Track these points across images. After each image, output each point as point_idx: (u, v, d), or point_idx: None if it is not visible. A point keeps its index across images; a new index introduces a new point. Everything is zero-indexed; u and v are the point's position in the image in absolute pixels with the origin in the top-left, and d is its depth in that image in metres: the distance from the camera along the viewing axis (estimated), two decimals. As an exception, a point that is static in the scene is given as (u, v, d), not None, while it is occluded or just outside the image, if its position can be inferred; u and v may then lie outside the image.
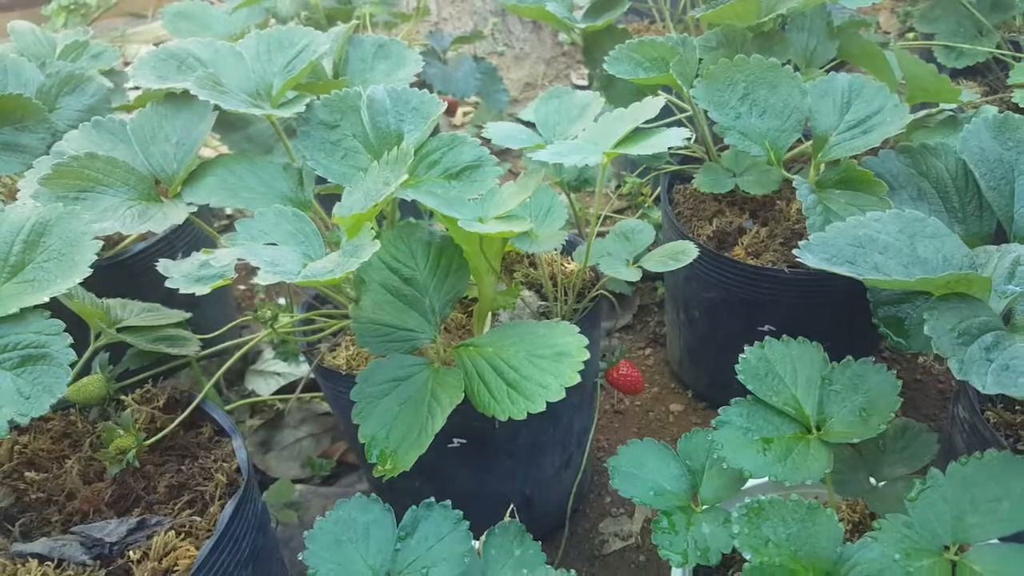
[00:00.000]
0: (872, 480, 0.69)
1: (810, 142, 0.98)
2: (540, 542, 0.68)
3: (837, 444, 0.67)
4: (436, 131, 0.90)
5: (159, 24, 2.90)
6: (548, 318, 0.95)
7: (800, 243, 0.72)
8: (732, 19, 1.15)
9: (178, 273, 0.67)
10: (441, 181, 0.84)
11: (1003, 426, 0.74)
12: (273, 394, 1.34)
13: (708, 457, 0.71)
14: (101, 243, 0.69)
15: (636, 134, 0.81)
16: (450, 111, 2.41)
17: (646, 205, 1.49)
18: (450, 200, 0.76)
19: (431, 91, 1.83)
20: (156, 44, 3.11)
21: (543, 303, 0.98)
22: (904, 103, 1.01)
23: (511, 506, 0.75)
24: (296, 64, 0.95)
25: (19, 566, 0.66)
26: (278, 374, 1.39)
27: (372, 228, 0.66)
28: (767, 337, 0.76)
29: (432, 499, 0.64)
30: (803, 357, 0.72)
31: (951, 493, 0.58)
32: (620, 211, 1.75)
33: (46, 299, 0.63)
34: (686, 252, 0.84)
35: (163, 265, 0.69)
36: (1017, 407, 0.75)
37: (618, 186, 1.74)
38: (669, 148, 0.79)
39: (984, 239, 0.89)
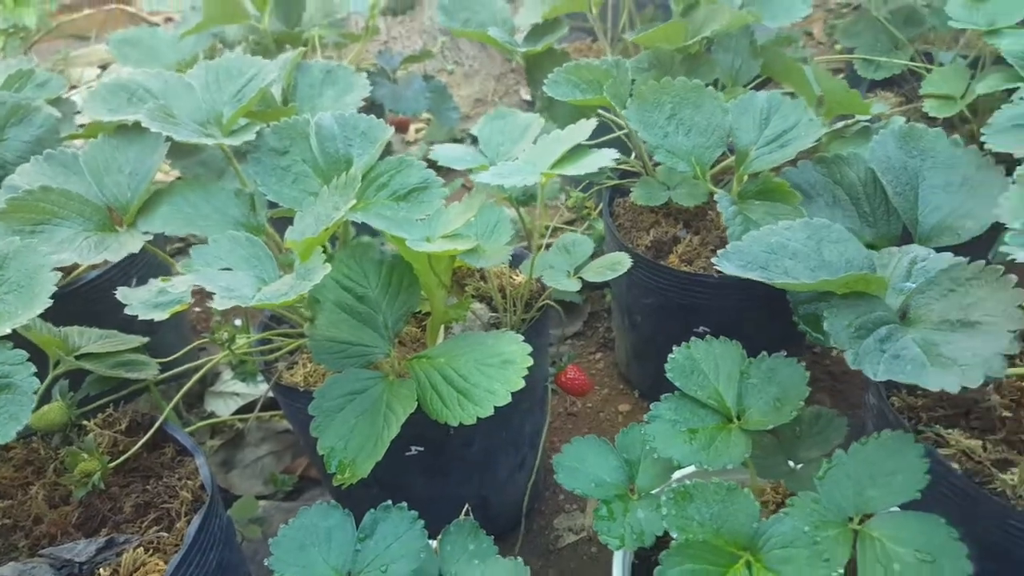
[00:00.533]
0: (791, 463, 0.76)
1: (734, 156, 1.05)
2: (494, 538, 0.73)
3: (756, 432, 0.73)
4: (388, 152, 0.94)
5: (102, 47, 2.88)
6: (498, 329, 1.00)
7: (719, 252, 0.79)
8: (661, 42, 1.22)
9: (136, 300, 0.70)
10: (390, 203, 0.89)
11: (906, 409, 0.82)
12: (232, 414, 1.36)
13: (643, 449, 0.76)
14: (59, 275, 0.72)
15: (572, 154, 0.87)
16: (403, 128, 2.45)
17: (591, 217, 1.56)
18: (399, 221, 0.81)
19: (382, 110, 1.89)
20: (100, 67, 3.07)
21: (493, 314, 1.03)
22: (822, 116, 1.10)
23: (466, 506, 0.80)
24: (245, 93, 0.99)
25: (-12, 589, 0.68)
26: (236, 394, 1.41)
27: (323, 251, 0.70)
28: (693, 338, 0.82)
29: (389, 502, 0.68)
30: (724, 354, 0.79)
31: (853, 470, 0.65)
32: (570, 222, 1.82)
33: (8, 331, 0.66)
34: (621, 263, 0.90)
35: (122, 293, 0.72)
36: (919, 392, 0.83)
37: (568, 198, 1.81)
38: (608, 164, 0.85)
39: (892, 241, 0.97)
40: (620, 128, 1.25)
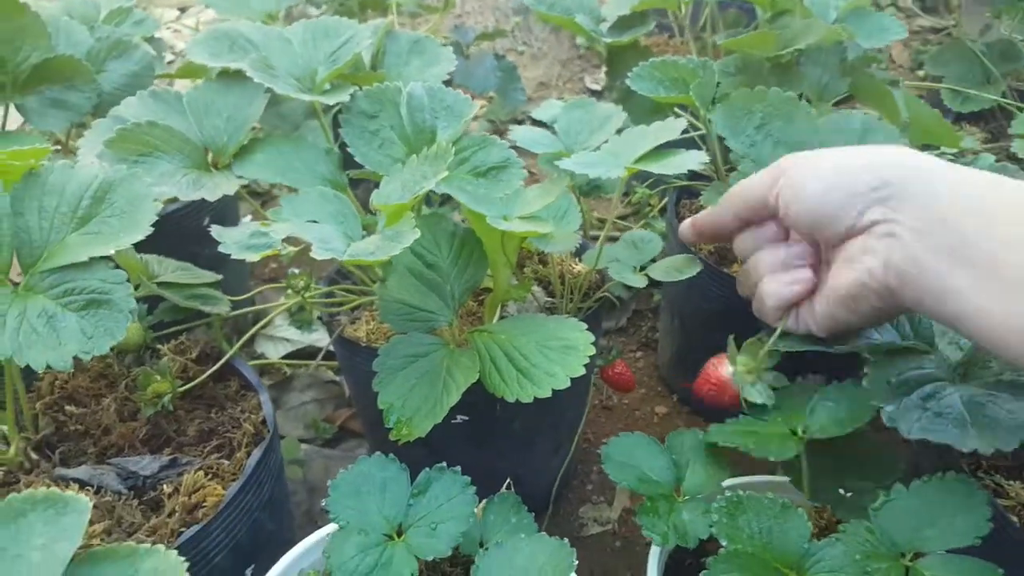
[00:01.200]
0: (841, 491, 0.75)
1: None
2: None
3: (816, 453, 0.74)
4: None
5: (183, -14, 2.94)
6: (553, 313, 1.02)
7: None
8: (751, 49, 1.22)
9: (231, 240, 0.73)
10: (469, 178, 0.91)
11: (967, 454, 0.81)
12: (281, 358, 1.41)
13: (694, 454, 0.77)
14: (160, 205, 0.76)
15: (656, 152, 0.88)
16: (468, 102, 2.47)
17: (651, 215, 1.56)
18: (479, 197, 0.83)
19: (451, 84, 1.91)
20: (180, 8, 3.12)
21: (550, 299, 1.05)
22: (907, 143, 1.08)
23: (508, 480, 0.83)
24: (340, 55, 1.02)
25: (62, 487, 0.72)
26: (287, 340, 1.46)
27: (412, 217, 0.73)
28: None
29: (444, 464, 0.71)
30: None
31: (912, 506, 0.65)
32: (624, 217, 1.83)
33: (112, 251, 0.70)
34: (690, 266, 0.91)
35: (216, 231, 0.75)
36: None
37: (626, 193, 1.82)
38: (696, 168, 0.86)
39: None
40: (695, 129, 1.25)
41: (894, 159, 0.63)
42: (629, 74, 1.17)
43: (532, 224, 0.79)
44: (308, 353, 1.43)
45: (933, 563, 0.62)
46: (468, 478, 0.70)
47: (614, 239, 1.47)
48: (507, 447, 1.02)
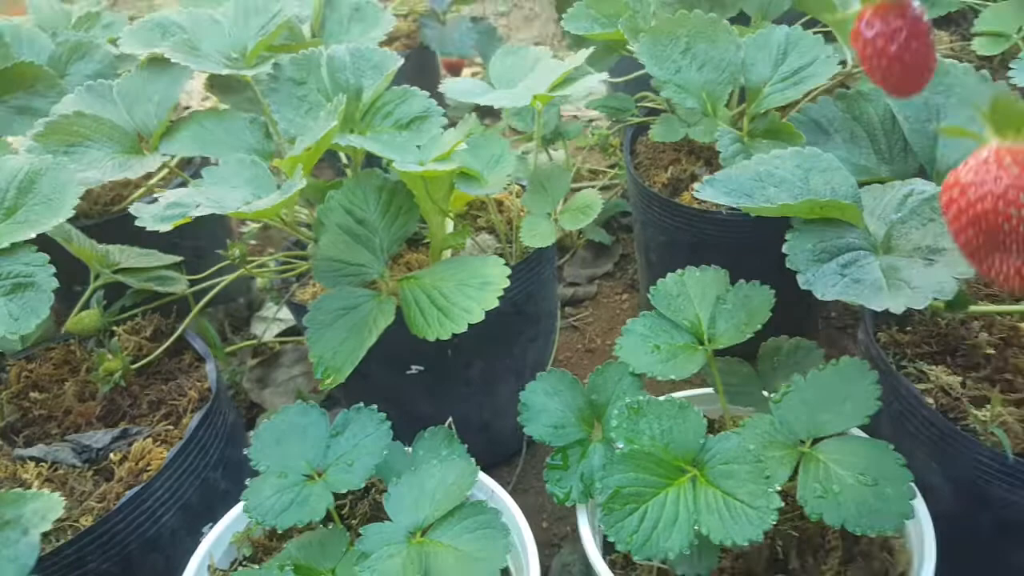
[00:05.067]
0: (765, 393, 0.77)
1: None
2: (496, 461, 0.73)
3: (733, 360, 0.74)
4: (440, 99, 0.97)
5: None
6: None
7: (704, 178, 0.78)
8: (689, -27, 1.19)
9: (146, 213, 0.77)
10: (393, 131, 0.92)
11: (892, 345, 0.80)
12: (274, 337, 1.46)
13: (614, 390, 0.76)
14: (83, 189, 0.79)
15: (566, 79, 0.88)
16: (456, 71, 2.46)
17: (617, 157, 1.55)
18: (393, 145, 0.84)
19: (434, 53, 1.90)
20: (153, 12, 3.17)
21: (499, 246, 1.06)
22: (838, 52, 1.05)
23: (449, 419, 0.84)
24: (269, 27, 1.03)
25: (19, 466, 0.78)
26: (279, 320, 1.50)
27: (302, 168, 0.74)
28: (688, 267, 0.83)
29: (361, 403, 0.73)
30: (713, 282, 0.80)
31: (809, 395, 0.66)
32: (613, 165, 1.81)
33: (33, 235, 0.74)
34: (591, 206, 0.89)
35: (135, 207, 0.78)
36: (908, 328, 0.81)
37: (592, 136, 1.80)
38: (596, 87, 0.85)
39: (907, 178, 0.94)
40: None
41: None
42: (563, 15, 1.16)
43: (441, 163, 0.80)
44: (299, 330, 1.47)
45: (827, 446, 0.63)
46: (383, 415, 0.72)
47: (607, 188, 1.46)
48: (469, 394, 1.04)
